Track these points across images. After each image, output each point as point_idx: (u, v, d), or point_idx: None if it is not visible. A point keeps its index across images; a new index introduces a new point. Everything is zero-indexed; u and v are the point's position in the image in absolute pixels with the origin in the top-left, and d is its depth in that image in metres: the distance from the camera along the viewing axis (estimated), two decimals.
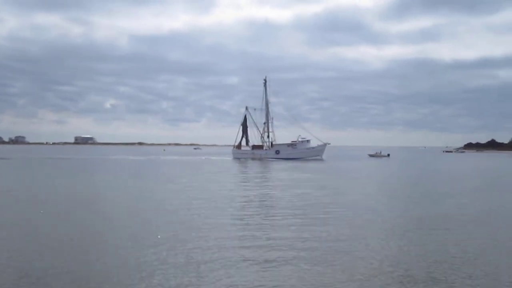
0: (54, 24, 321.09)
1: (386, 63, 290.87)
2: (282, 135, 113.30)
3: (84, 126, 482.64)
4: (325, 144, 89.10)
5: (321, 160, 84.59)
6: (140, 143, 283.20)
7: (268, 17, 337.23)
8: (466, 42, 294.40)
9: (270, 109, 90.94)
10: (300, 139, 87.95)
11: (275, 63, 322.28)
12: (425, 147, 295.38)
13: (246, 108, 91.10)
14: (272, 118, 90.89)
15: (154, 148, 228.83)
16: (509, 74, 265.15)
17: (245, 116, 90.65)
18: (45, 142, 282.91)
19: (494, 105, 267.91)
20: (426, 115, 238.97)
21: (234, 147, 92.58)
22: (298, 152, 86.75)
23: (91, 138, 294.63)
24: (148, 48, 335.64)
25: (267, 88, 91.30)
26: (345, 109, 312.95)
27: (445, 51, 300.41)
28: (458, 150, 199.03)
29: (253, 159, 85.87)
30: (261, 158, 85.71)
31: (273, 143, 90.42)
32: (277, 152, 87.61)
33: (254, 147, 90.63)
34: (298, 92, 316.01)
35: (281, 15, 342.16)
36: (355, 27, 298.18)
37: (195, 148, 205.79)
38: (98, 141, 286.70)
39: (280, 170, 53.64)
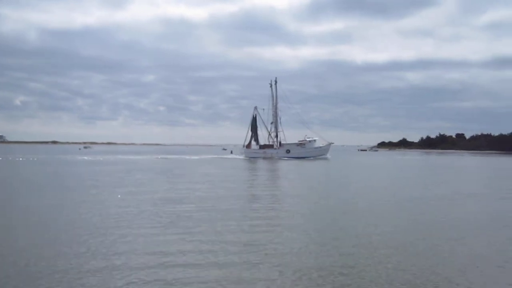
0: None
1: (301, 63, 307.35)
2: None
3: None
4: (329, 144, 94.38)
5: (327, 158, 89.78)
6: (54, 142, 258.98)
7: (184, 15, 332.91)
8: (377, 45, 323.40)
9: (278, 110, 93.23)
10: (307, 139, 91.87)
11: (192, 61, 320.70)
12: (343, 146, 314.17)
13: (255, 108, 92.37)
14: (280, 118, 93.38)
15: (70, 146, 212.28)
16: (417, 77, 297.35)
17: (255, 116, 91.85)
18: None
19: (404, 106, 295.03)
20: (341, 114, 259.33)
21: (243, 146, 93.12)
22: (307, 151, 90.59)
23: (1, 137, 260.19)
24: (60, 43, 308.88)
25: (277, 89, 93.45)
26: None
27: (357, 53, 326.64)
28: (372, 148, 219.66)
29: (264, 158, 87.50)
30: (272, 157, 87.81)
31: (281, 142, 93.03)
32: (288, 151, 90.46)
33: (262, 146, 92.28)
34: (217, 90, 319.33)
35: (197, 13, 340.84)
36: (271, 27, 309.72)
37: (85, 147, 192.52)
38: (9, 139, 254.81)
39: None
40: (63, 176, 39.28)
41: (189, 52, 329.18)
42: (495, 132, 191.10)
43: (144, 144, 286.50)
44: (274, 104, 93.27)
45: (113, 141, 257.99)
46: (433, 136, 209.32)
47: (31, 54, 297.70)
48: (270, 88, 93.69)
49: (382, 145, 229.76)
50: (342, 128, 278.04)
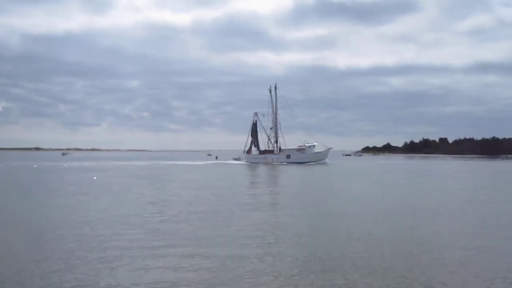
0: None
1: (285, 69, 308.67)
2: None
3: None
4: (328, 149, 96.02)
5: (326, 163, 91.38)
6: (37, 148, 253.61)
7: (168, 21, 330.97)
8: (360, 51, 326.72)
9: (278, 115, 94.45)
10: (306, 144, 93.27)
11: (176, 66, 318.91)
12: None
13: (255, 113, 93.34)
14: (280, 124, 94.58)
15: (53, 153, 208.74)
16: (400, 82, 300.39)
17: (255, 122, 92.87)
18: None
19: (388, 111, 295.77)
20: (326, 119, 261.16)
21: (244, 152, 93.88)
22: (306, 156, 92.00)
23: None
24: (42, 49, 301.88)
25: (277, 95, 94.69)
26: (248, 113, 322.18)
27: (340, 59, 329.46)
28: (356, 153, 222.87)
29: (265, 163, 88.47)
30: (272, 163, 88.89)
31: (281, 148, 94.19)
32: (288, 156, 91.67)
33: (262, 152, 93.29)
34: (202, 96, 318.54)
35: (181, 19, 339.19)
36: (254, 33, 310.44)
37: (63, 154, 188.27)
38: None
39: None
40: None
41: (173, 57, 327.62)
42: (478, 137, 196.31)
43: (128, 150, 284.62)
44: (274, 110, 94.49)
45: (97, 147, 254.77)
46: (416, 140, 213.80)
47: (12, 59, 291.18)
48: (269, 94, 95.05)
49: (367, 149, 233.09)
50: (327, 133, 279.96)
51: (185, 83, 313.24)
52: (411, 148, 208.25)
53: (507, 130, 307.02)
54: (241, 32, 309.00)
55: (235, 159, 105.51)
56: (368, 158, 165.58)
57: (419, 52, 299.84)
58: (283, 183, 42.81)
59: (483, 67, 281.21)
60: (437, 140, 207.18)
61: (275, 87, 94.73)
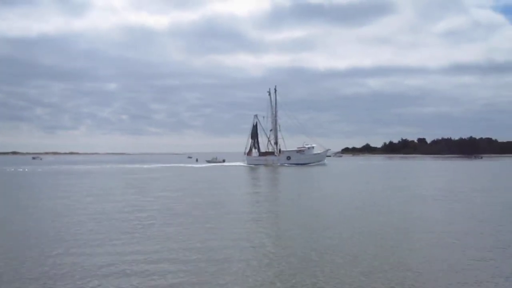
0: None
1: (264, 71, 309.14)
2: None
3: None
4: (326, 150, 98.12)
5: (325, 164, 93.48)
6: (14, 153, 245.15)
7: (145, 23, 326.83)
8: (338, 52, 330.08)
9: (277, 118, 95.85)
10: (305, 146, 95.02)
11: (155, 69, 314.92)
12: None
13: (256, 116, 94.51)
14: (279, 126, 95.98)
15: (26, 157, 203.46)
16: (378, 83, 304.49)
17: (255, 124, 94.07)
18: None
19: (366, 112, 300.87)
20: (306, 121, 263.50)
21: (244, 154, 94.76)
22: (306, 158, 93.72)
23: None
24: (17, 52, 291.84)
25: (276, 97, 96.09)
26: (227, 115, 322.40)
27: (319, 60, 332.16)
28: (336, 154, 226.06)
29: (265, 165, 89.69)
30: (273, 164, 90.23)
31: (281, 149, 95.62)
32: (288, 158, 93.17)
33: (263, 153, 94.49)
34: (180, 98, 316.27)
35: (158, 21, 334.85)
36: (232, 35, 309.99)
37: (33, 158, 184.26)
38: None
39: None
40: None
41: (151, 60, 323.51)
42: (455, 136, 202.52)
43: (107, 153, 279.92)
44: (273, 112, 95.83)
45: (75, 151, 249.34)
46: (395, 141, 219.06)
47: None
48: (269, 96, 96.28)
49: (346, 150, 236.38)
50: (307, 134, 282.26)
51: (164, 86, 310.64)
52: (390, 149, 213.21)
53: (484, 130, 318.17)
54: (219, 34, 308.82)
55: (209, 161, 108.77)
56: (348, 159, 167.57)
57: (396, 54, 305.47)
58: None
59: (459, 68, 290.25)
60: (415, 141, 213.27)
61: (275, 90, 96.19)
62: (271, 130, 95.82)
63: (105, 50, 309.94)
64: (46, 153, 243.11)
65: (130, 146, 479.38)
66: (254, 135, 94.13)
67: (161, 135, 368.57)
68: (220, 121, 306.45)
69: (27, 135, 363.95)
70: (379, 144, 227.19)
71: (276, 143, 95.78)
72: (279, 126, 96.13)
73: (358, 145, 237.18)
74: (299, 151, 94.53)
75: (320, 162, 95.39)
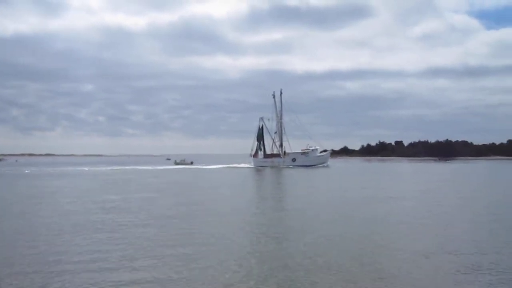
0: None
1: (242, 73, 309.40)
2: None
3: None
4: (329, 152, 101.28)
5: (328, 166, 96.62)
6: None
7: (122, 24, 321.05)
8: (316, 55, 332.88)
9: (282, 120, 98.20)
10: (309, 148, 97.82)
11: (132, 70, 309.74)
12: None
13: (261, 118, 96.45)
14: (284, 128, 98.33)
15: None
16: (356, 86, 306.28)
17: (262, 126, 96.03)
18: None
19: (344, 114, 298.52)
20: (286, 122, 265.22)
21: (251, 155, 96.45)
22: (310, 160, 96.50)
23: None
24: None
25: (282, 100, 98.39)
26: (206, 117, 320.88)
27: (297, 63, 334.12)
28: None
29: (272, 167, 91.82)
30: (279, 166, 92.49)
31: (285, 151, 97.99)
32: (294, 160, 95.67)
33: (269, 155, 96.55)
34: (159, 100, 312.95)
35: (136, 22, 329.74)
36: (210, 37, 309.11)
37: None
38: None
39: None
40: None
41: (129, 61, 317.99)
42: (432, 139, 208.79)
43: (85, 155, 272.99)
44: (278, 115, 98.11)
45: (52, 153, 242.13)
46: (373, 143, 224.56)
47: None
48: (273, 99, 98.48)
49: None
50: (287, 136, 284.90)
51: (141, 87, 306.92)
52: (368, 151, 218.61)
53: (460, 132, 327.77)
54: (197, 36, 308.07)
55: (177, 163, 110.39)
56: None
57: (374, 57, 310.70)
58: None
59: (435, 72, 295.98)
60: (393, 143, 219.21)
61: (280, 92, 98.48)
62: (275, 133, 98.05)
63: (82, 50, 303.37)
64: (22, 154, 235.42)
65: (107, 148, 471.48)
66: (260, 137, 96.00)
67: (139, 136, 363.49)
68: (198, 123, 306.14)
69: (2, 136, 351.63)
70: (357, 147, 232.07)
71: (281, 145, 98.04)
72: (284, 128, 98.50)
73: (337, 147, 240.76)
74: (304, 153, 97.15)
75: (324, 164, 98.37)
